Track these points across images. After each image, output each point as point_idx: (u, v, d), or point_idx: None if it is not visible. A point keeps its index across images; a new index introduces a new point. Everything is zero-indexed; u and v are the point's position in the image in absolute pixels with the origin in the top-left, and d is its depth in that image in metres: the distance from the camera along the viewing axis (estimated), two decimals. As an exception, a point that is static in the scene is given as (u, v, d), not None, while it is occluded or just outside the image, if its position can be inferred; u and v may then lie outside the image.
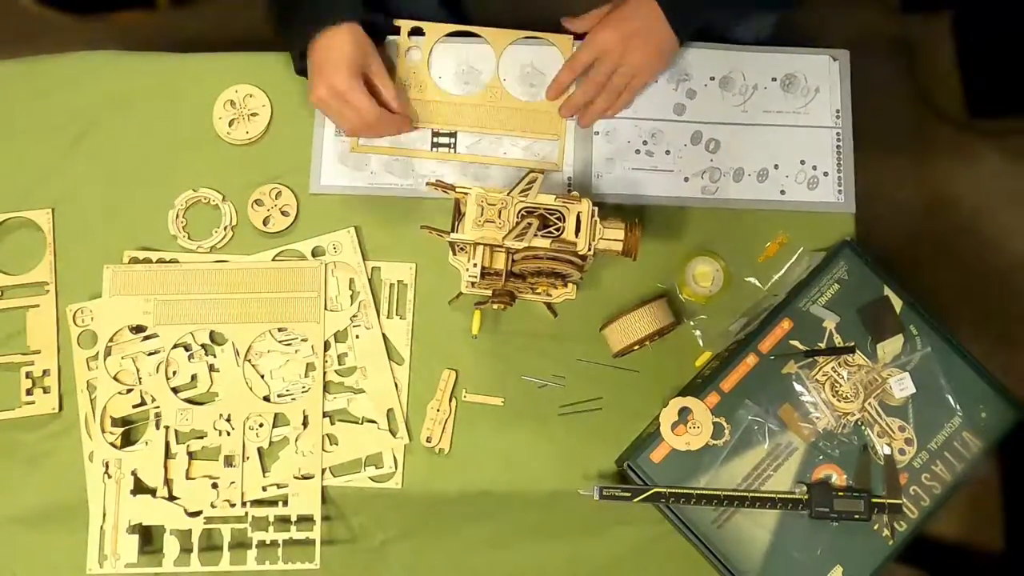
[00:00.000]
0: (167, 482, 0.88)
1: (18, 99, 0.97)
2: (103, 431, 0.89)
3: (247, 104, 0.96)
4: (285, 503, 0.88)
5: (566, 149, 0.96)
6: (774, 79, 0.98)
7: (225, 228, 0.93)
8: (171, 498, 0.88)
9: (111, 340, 0.90)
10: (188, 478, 0.89)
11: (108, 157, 0.96)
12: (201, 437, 0.89)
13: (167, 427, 0.89)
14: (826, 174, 0.96)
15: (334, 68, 0.87)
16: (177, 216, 0.94)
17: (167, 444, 0.89)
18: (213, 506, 0.88)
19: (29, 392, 0.91)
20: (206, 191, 0.94)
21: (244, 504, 0.88)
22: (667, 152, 0.96)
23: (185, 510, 0.88)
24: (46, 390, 0.91)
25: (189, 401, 0.90)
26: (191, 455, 0.89)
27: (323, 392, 0.90)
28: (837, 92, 0.98)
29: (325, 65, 0.87)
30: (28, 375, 0.91)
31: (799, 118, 0.98)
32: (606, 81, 0.93)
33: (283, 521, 0.88)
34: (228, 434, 0.89)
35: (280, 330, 0.91)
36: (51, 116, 0.97)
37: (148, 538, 0.89)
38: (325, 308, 0.91)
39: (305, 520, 0.88)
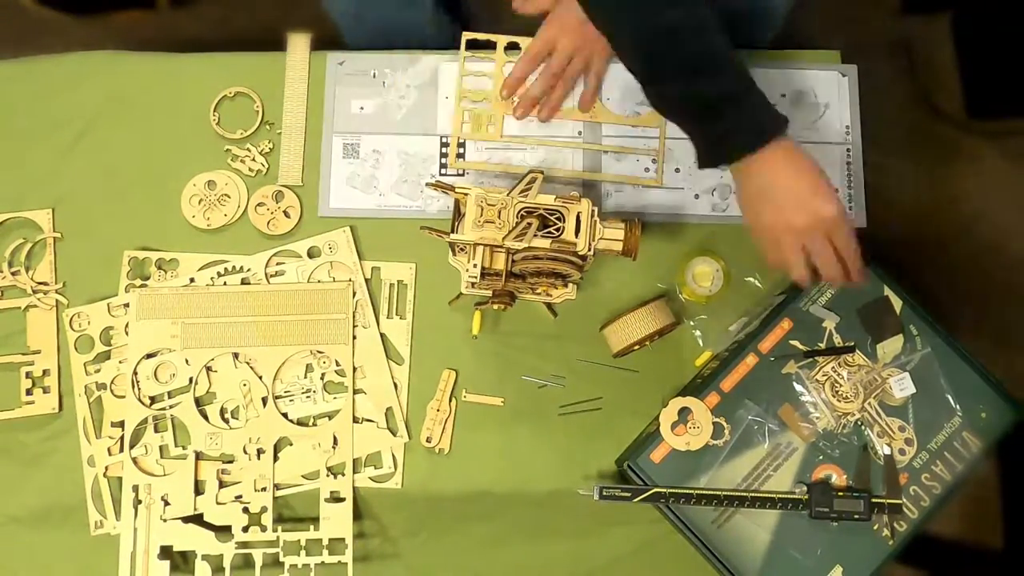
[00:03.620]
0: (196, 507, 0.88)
1: (18, 99, 0.98)
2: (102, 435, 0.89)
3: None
4: (317, 527, 0.88)
5: (574, 168, 0.96)
6: (783, 95, 0.98)
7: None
8: (202, 523, 0.87)
9: (138, 364, 0.90)
10: (218, 503, 0.88)
11: (108, 157, 0.96)
12: (230, 461, 0.89)
13: (197, 451, 0.89)
14: (836, 190, 0.96)
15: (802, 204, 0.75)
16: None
17: (197, 468, 0.89)
18: (244, 530, 0.88)
19: (29, 392, 0.91)
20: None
21: (276, 528, 0.88)
22: (676, 170, 0.96)
23: (216, 535, 0.87)
24: (46, 390, 0.91)
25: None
26: (221, 480, 0.89)
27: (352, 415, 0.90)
28: (846, 108, 0.98)
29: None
30: (28, 375, 0.91)
31: (808, 134, 0.97)
32: (562, 71, 0.93)
33: (315, 544, 0.88)
34: (258, 458, 0.89)
35: (313, 353, 0.91)
36: (51, 116, 0.97)
37: (178, 563, 0.88)
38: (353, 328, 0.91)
39: (337, 543, 0.88)
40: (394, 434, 0.90)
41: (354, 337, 0.92)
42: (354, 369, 0.91)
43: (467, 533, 0.92)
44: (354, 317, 0.92)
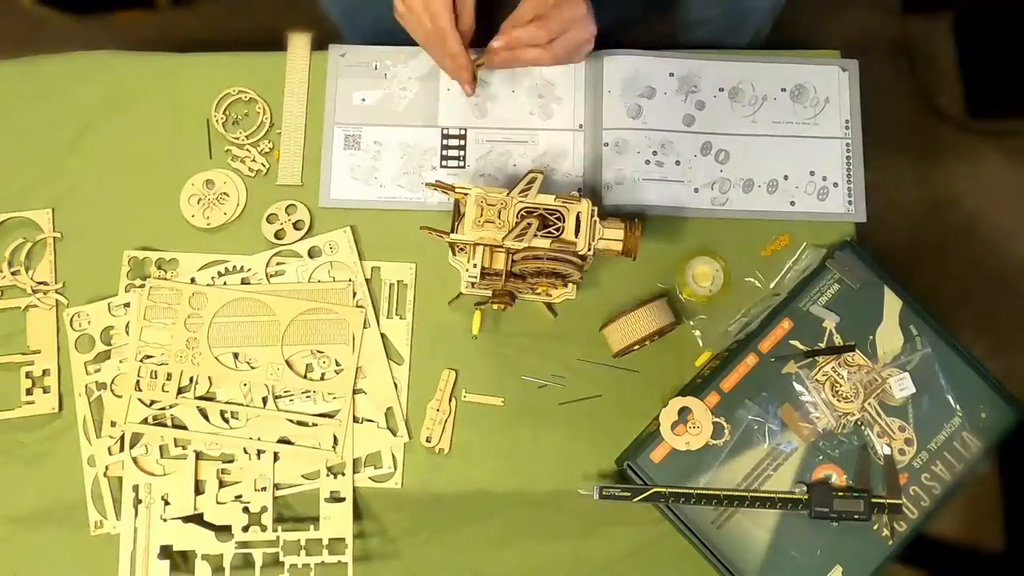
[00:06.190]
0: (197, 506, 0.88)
1: (18, 99, 0.97)
2: (101, 435, 0.89)
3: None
4: (317, 527, 0.88)
5: (575, 160, 0.96)
6: (783, 89, 0.98)
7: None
8: (202, 523, 0.87)
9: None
10: (218, 503, 0.88)
11: (108, 157, 0.96)
12: (230, 461, 0.89)
13: (197, 451, 0.89)
14: (836, 185, 0.96)
15: None
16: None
17: (197, 468, 0.89)
18: (244, 530, 0.87)
19: (29, 392, 0.91)
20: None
21: (276, 528, 0.88)
22: (677, 163, 0.96)
23: (216, 534, 0.87)
24: (46, 390, 0.91)
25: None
26: (221, 480, 0.89)
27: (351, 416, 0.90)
28: (846, 102, 0.98)
29: None
30: (28, 375, 0.91)
31: (808, 129, 0.97)
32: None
33: (315, 544, 0.88)
34: (258, 458, 0.89)
35: (313, 353, 0.91)
36: (51, 116, 0.97)
37: (177, 563, 0.88)
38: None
39: (337, 543, 0.88)
40: (394, 434, 0.90)
41: (354, 337, 0.91)
42: (356, 369, 0.91)
43: (467, 533, 0.92)
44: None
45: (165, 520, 0.87)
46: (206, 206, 0.94)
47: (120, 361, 0.91)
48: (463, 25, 0.87)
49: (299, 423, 0.90)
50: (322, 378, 0.91)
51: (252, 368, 0.90)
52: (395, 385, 0.91)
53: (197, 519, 0.87)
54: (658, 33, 1.08)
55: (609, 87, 0.97)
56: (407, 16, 0.87)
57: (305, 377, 0.91)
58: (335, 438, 0.89)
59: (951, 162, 1.52)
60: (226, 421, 0.90)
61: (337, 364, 0.91)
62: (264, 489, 0.88)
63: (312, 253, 0.93)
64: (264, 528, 0.88)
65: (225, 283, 0.92)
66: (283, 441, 0.90)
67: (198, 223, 0.94)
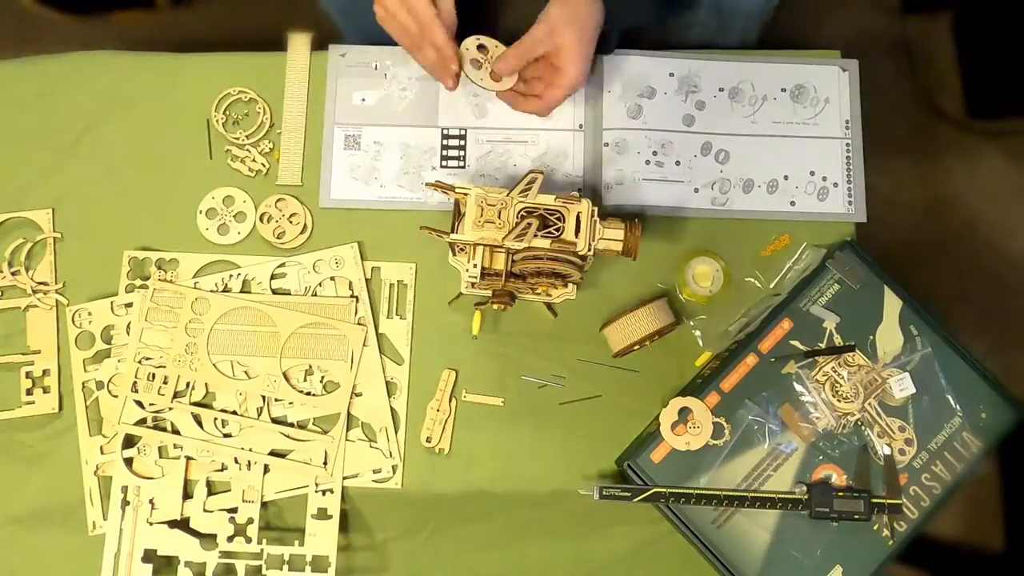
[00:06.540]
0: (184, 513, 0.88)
1: (18, 99, 0.97)
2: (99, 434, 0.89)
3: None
4: (302, 541, 0.87)
5: (575, 160, 0.96)
6: (783, 90, 0.98)
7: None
8: (188, 529, 0.87)
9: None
10: (206, 510, 0.88)
11: (108, 157, 0.96)
12: (222, 470, 0.89)
13: (188, 458, 0.88)
14: (836, 185, 0.96)
15: None
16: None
17: (186, 474, 0.88)
18: (230, 540, 0.87)
19: (29, 392, 0.91)
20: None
21: (261, 540, 0.87)
22: (677, 163, 0.96)
23: (201, 542, 0.86)
24: (46, 390, 0.91)
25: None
26: (210, 488, 0.88)
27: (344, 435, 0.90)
28: (847, 102, 0.98)
29: None
30: (28, 375, 0.91)
31: (808, 129, 0.97)
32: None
33: (299, 559, 0.87)
34: (248, 469, 0.88)
35: (311, 368, 0.91)
36: (51, 116, 0.97)
37: (161, 567, 0.87)
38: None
39: (321, 559, 0.87)
40: (387, 455, 0.90)
41: (353, 354, 0.91)
42: (352, 388, 0.90)
43: (467, 533, 0.92)
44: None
45: (151, 524, 0.87)
46: (220, 222, 0.94)
47: (119, 361, 0.91)
48: (444, 16, 0.86)
49: (299, 425, 0.90)
50: (321, 380, 0.90)
51: (249, 378, 0.90)
52: (392, 411, 0.90)
53: (183, 525, 0.87)
54: (657, 34, 1.08)
55: (609, 87, 0.97)
56: (387, 18, 0.86)
57: (305, 380, 0.90)
58: (326, 455, 0.89)
59: (951, 162, 1.52)
60: (219, 429, 0.89)
61: (334, 381, 0.90)
62: (252, 501, 0.88)
63: (317, 267, 0.93)
64: (249, 540, 0.87)
65: (228, 289, 0.92)
66: (274, 454, 0.89)
67: (211, 238, 0.93)
